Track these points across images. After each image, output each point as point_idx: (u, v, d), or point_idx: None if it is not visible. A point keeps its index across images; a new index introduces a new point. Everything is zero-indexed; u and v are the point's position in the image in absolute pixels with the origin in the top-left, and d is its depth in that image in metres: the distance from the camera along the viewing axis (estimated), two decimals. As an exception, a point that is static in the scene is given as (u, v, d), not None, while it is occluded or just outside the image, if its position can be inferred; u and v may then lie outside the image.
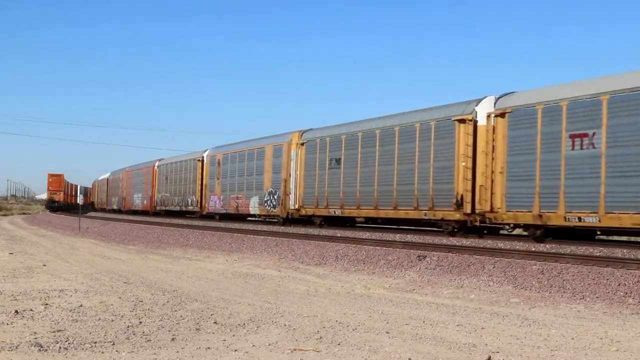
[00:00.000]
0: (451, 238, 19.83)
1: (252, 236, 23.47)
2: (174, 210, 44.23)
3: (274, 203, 30.20)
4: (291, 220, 29.27)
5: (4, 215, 70.35)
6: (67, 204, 79.36)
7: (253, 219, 35.63)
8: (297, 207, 28.45)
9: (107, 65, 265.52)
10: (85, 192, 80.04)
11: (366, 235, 22.28)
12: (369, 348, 7.31)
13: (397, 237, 21.22)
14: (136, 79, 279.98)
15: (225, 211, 35.86)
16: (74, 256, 19.84)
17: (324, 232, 24.71)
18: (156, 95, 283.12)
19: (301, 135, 28.75)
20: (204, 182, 38.86)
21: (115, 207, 61.62)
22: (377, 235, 21.84)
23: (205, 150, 39.66)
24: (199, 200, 39.46)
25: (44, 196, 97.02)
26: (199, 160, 39.75)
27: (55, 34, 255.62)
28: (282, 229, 27.69)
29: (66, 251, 22.02)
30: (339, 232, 24.04)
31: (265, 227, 28.71)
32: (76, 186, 76.68)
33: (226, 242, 23.04)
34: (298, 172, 28.43)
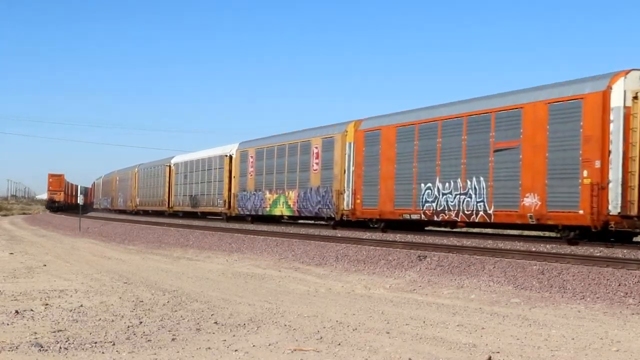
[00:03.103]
0: (451, 238, 19.82)
1: (252, 236, 23.46)
2: None
3: None
4: None
5: (5, 215, 70.35)
6: (68, 204, 79.39)
7: None
8: None
9: (108, 65, 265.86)
10: (86, 192, 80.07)
11: (366, 235, 22.28)
12: (370, 348, 7.31)
13: (398, 237, 21.21)
14: (136, 79, 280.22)
15: None
16: (74, 256, 19.85)
17: (325, 232, 24.63)
18: (157, 95, 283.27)
19: None
20: None
21: (284, 212, 30.23)
22: (377, 236, 21.84)
23: None
24: None
25: (44, 196, 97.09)
26: None
27: (56, 33, 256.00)
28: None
29: (66, 251, 22.03)
30: (339, 233, 24.02)
31: (265, 227, 28.58)
32: (76, 186, 76.67)
33: (226, 242, 23.04)
34: None
